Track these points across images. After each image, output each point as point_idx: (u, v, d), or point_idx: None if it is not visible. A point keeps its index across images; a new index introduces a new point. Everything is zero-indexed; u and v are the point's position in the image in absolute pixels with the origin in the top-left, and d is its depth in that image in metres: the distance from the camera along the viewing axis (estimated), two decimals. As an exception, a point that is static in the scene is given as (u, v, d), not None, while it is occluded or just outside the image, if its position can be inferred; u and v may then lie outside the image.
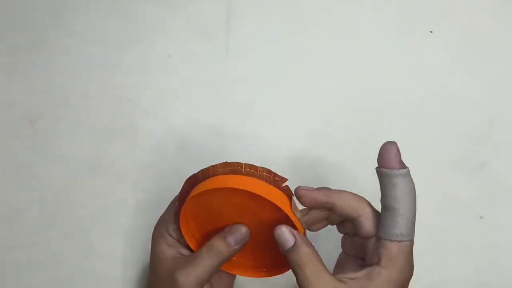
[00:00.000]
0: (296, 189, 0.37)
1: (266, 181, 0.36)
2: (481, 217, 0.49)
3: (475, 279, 0.48)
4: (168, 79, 0.52)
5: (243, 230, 0.38)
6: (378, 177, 0.36)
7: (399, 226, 0.35)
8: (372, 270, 0.35)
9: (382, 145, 0.36)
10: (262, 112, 0.51)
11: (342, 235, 0.40)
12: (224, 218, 0.38)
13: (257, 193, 0.35)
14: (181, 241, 0.40)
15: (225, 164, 0.37)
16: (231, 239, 0.38)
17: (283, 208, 0.35)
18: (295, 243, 0.35)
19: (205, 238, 0.39)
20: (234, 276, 0.43)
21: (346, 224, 0.39)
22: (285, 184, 0.36)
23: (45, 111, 0.52)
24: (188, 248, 0.40)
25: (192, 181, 0.38)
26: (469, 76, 0.51)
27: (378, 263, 0.35)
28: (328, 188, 0.37)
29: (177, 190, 0.50)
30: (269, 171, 0.36)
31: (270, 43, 0.52)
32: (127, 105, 0.52)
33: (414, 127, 0.50)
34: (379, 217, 0.36)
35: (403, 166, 0.35)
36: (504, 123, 0.50)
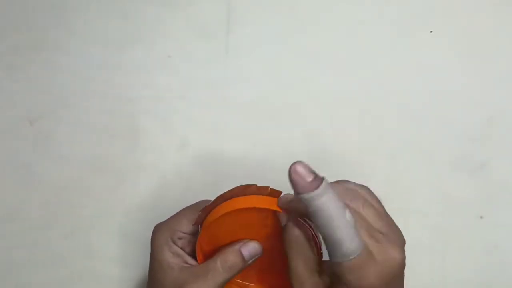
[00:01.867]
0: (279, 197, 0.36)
1: (260, 194, 0.36)
2: (481, 217, 0.49)
3: (475, 279, 0.48)
4: (168, 79, 0.52)
5: (256, 244, 0.37)
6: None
7: (342, 247, 0.31)
8: None
9: (288, 170, 0.31)
10: (262, 112, 0.51)
11: None
12: (236, 236, 0.38)
13: (247, 206, 0.35)
14: (185, 249, 0.39)
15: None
16: (246, 253, 0.37)
17: (270, 207, 0.35)
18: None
19: (212, 252, 0.39)
20: None
21: None
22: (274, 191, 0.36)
23: (45, 111, 0.52)
24: (193, 256, 0.39)
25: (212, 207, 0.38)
26: (469, 76, 0.51)
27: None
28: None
29: (177, 190, 0.50)
30: (263, 188, 0.36)
31: (270, 43, 0.52)
32: (127, 105, 0.52)
33: (414, 127, 0.50)
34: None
35: (311, 186, 0.31)
36: (504, 123, 0.50)
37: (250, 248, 0.37)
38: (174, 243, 0.39)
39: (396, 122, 0.51)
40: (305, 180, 0.31)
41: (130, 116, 0.52)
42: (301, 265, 0.34)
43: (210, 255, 0.39)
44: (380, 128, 0.51)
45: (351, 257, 0.31)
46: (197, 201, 0.41)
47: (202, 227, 0.38)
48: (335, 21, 0.53)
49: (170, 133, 0.51)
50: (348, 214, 0.31)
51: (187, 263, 0.39)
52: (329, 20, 0.53)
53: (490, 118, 0.50)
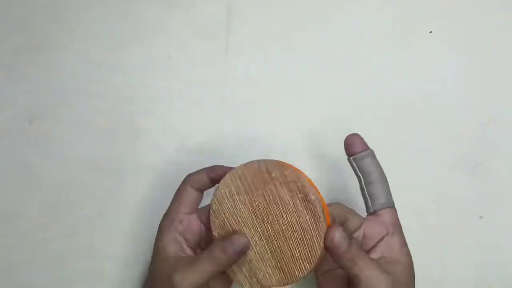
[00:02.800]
0: None
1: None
2: (481, 217, 0.49)
3: (475, 279, 0.48)
4: (168, 79, 0.52)
5: (242, 240, 0.38)
6: (352, 166, 0.40)
7: (386, 194, 0.40)
8: (387, 243, 0.39)
9: (345, 138, 0.41)
10: (262, 112, 0.52)
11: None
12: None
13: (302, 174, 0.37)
14: (186, 235, 0.40)
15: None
16: (230, 249, 0.37)
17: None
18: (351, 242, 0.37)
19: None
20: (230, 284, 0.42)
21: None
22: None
23: (45, 111, 0.52)
24: (191, 247, 0.40)
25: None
26: (469, 76, 0.51)
27: (386, 234, 0.39)
28: None
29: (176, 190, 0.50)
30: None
31: (270, 43, 0.52)
32: (127, 105, 0.52)
33: (413, 127, 0.50)
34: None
35: (368, 148, 0.40)
36: (503, 123, 0.50)
37: (235, 244, 0.37)
38: (175, 229, 0.40)
39: (395, 122, 0.51)
40: (363, 143, 0.40)
41: (130, 116, 0.52)
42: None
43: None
44: (380, 128, 0.51)
45: (392, 205, 0.40)
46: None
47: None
48: (335, 21, 0.53)
49: (170, 133, 0.51)
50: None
51: (184, 252, 0.40)
52: (329, 20, 0.53)
53: (490, 118, 0.50)
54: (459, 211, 0.49)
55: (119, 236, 0.50)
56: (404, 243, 0.40)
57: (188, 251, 0.40)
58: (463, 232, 0.49)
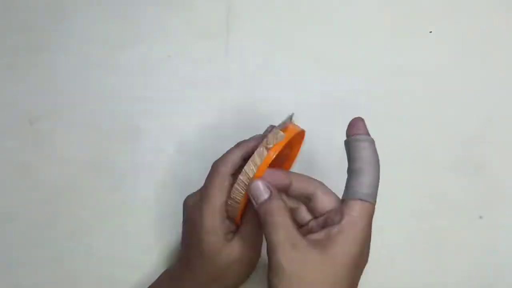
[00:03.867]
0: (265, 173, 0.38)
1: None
2: (481, 217, 0.49)
3: (475, 279, 0.48)
4: (168, 79, 0.52)
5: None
6: (346, 147, 0.38)
7: (364, 186, 0.35)
8: (332, 229, 0.35)
9: (351, 120, 0.38)
10: (262, 112, 0.51)
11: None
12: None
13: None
14: (225, 223, 0.40)
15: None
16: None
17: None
18: (269, 195, 0.36)
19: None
20: (261, 241, 0.42)
21: (303, 214, 0.39)
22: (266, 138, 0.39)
23: (45, 111, 0.52)
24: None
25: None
26: (469, 76, 0.51)
27: (339, 222, 0.35)
28: (287, 171, 0.40)
29: (177, 190, 0.50)
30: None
31: (270, 43, 0.52)
32: (127, 105, 0.52)
33: (414, 127, 0.50)
34: (334, 195, 0.38)
35: (368, 135, 0.38)
36: (503, 123, 0.50)
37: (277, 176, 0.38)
38: (227, 179, 0.40)
39: (395, 122, 0.51)
40: (366, 128, 0.38)
41: (129, 117, 0.52)
42: (280, 225, 0.36)
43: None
44: (380, 128, 0.51)
45: (369, 199, 0.35)
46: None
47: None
48: (335, 22, 0.53)
49: (170, 133, 0.51)
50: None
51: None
52: (329, 21, 0.53)
53: (490, 119, 0.50)
54: (459, 211, 0.49)
55: (119, 236, 0.50)
56: (351, 243, 0.35)
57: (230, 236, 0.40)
58: (463, 232, 0.49)
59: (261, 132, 0.43)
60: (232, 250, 0.39)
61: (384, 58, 0.52)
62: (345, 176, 0.39)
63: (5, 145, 0.52)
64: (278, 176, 0.38)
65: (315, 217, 0.39)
